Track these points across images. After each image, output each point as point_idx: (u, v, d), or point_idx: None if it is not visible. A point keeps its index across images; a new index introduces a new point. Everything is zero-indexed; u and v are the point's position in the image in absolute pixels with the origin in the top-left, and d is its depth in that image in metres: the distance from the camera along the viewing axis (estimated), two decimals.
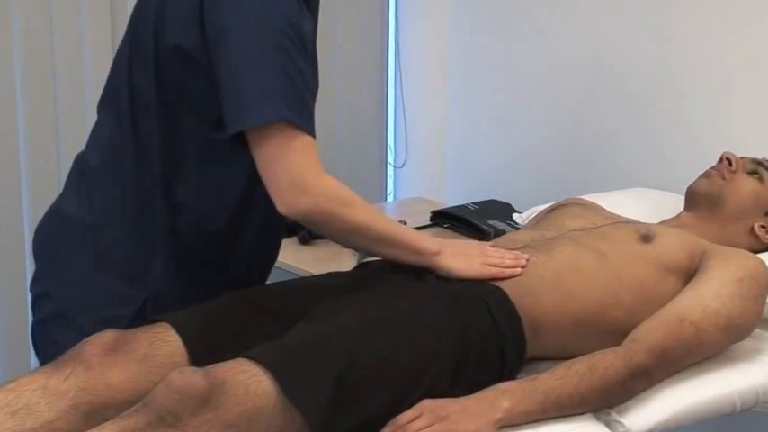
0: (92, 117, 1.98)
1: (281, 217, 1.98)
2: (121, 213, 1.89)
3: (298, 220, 1.78)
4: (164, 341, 1.69)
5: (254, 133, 1.72)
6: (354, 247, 2.15)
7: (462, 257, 1.91)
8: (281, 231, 2.06)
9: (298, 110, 1.71)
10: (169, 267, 1.89)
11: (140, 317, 1.85)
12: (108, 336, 1.69)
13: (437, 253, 1.89)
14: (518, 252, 1.94)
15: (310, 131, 1.74)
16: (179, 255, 1.89)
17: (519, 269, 1.89)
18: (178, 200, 1.86)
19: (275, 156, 1.71)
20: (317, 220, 1.78)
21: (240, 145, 1.74)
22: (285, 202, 1.73)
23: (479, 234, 2.85)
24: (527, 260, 1.91)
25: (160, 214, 1.87)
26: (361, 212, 1.81)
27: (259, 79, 1.69)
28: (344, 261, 2.60)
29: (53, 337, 1.91)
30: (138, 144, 1.86)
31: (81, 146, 2.00)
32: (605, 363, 1.72)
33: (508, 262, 1.91)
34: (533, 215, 2.54)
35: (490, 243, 2.08)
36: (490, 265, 1.89)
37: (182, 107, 1.81)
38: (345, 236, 1.86)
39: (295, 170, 1.72)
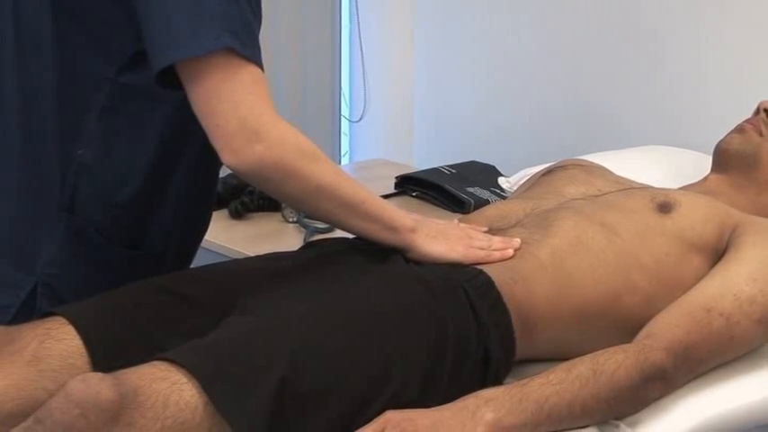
0: None
1: (211, 182, 1.97)
2: (1, 179, 1.88)
3: (247, 175, 1.76)
4: (58, 339, 1.68)
5: (189, 67, 1.70)
6: (313, 214, 2.15)
7: (442, 237, 1.92)
8: (209, 200, 2.07)
9: (242, 34, 1.70)
10: (65, 246, 1.88)
11: (28, 309, 1.86)
12: None
13: (412, 230, 1.90)
14: (507, 238, 1.95)
15: (258, 61, 1.73)
16: (78, 231, 1.88)
17: (511, 250, 1.90)
18: (77, 161, 1.85)
19: (220, 92, 1.69)
20: (273, 176, 1.77)
21: (161, 89, 1.73)
22: (233, 150, 1.71)
23: (456, 204, 2.86)
24: (516, 249, 1.92)
25: (54, 180, 1.86)
26: (327, 170, 1.81)
27: None
28: (287, 240, 2.60)
29: None
30: (26, 91, 1.86)
31: None
32: (614, 364, 1.72)
33: (497, 245, 1.91)
34: (524, 180, 2.55)
35: (459, 219, 2.09)
36: (476, 249, 1.90)
37: (83, 43, 1.80)
38: (305, 198, 1.84)
39: (246, 109, 1.70)
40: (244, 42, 1.70)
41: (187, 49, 1.68)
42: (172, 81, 1.71)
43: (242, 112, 1.70)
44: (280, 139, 1.73)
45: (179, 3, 1.68)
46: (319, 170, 1.79)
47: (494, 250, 1.90)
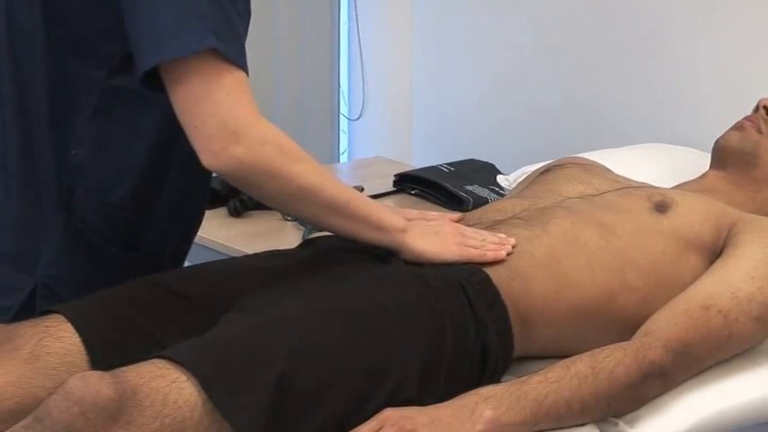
0: None
1: (204, 181, 1.97)
2: (2, 181, 1.88)
3: (227, 177, 1.76)
4: (56, 337, 1.68)
5: (171, 69, 1.69)
6: (297, 216, 2.14)
7: (434, 237, 1.91)
8: (204, 198, 2.06)
9: (227, 37, 1.69)
10: (64, 248, 1.88)
11: (28, 310, 1.85)
12: None
13: (403, 230, 1.89)
14: (503, 235, 1.94)
15: (242, 64, 1.72)
16: (76, 232, 1.88)
17: (503, 252, 1.89)
18: (72, 162, 1.85)
19: (199, 95, 1.68)
20: (253, 177, 1.75)
21: (151, 90, 1.72)
22: (212, 151, 1.69)
23: (455, 202, 2.86)
24: (513, 246, 1.91)
25: (51, 181, 1.86)
26: (309, 170, 1.79)
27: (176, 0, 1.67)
28: (285, 238, 2.60)
29: None
30: (21, 94, 1.86)
31: None
32: (612, 362, 1.73)
33: (491, 245, 1.91)
34: (522, 178, 2.55)
35: (457, 217, 2.09)
36: (469, 247, 1.90)
37: (73, 46, 1.80)
38: (287, 200, 1.83)
39: (225, 111, 1.68)
40: (227, 44, 1.69)
41: (170, 51, 1.67)
42: (157, 84, 1.70)
43: (221, 113, 1.68)
44: (259, 140, 1.71)
45: (163, 5, 1.67)
46: (301, 171, 1.77)
47: (487, 250, 1.90)
